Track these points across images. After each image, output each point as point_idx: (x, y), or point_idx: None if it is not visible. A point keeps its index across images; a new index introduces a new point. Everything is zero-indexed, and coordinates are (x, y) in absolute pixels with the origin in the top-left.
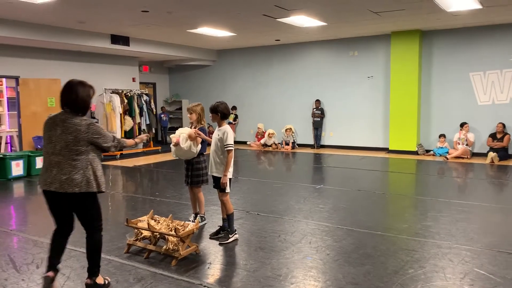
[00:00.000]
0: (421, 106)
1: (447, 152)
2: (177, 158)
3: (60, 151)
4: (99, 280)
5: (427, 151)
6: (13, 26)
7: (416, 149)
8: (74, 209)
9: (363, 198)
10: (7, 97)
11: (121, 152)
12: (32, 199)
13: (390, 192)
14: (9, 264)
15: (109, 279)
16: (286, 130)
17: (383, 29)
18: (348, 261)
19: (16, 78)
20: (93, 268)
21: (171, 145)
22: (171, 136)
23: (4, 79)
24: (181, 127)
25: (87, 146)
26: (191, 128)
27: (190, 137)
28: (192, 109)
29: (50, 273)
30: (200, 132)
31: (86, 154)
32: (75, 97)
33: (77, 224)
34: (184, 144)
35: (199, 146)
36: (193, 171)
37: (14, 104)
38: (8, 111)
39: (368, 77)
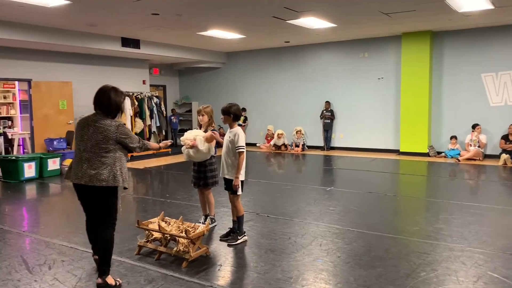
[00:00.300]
0: (432, 107)
1: (459, 154)
2: (189, 160)
3: (90, 148)
4: (110, 280)
5: (439, 152)
6: (25, 30)
7: (427, 150)
8: (97, 202)
9: (374, 200)
10: (20, 100)
11: (131, 154)
12: (44, 200)
13: (401, 194)
14: (22, 265)
15: (120, 281)
16: (296, 132)
17: (393, 30)
18: (359, 264)
19: (29, 81)
20: (103, 267)
21: (184, 148)
22: (182, 139)
23: (16, 82)
24: (191, 129)
25: (115, 145)
26: (201, 130)
27: (207, 139)
28: (204, 111)
29: (95, 256)
30: (216, 133)
31: (113, 152)
32: (108, 101)
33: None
34: (203, 147)
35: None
36: (206, 173)
37: (26, 106)
38: (21, 113)
39: (379, 79)
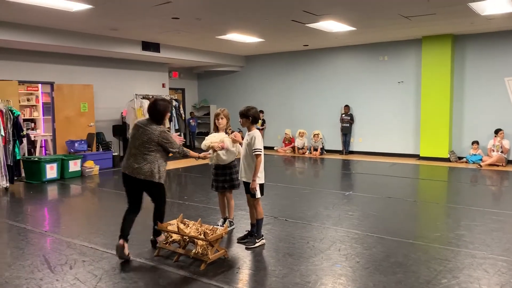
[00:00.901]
0: (453, 112)
1: (481, 159)
2: (212, 163)
3: (138, 146)
4: (160, 237)
5: (460, 158)
6: (49, 34)
7: (448, 156)
8: (144, 190)
9: (393, 206)
10: (43, 102)
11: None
12: (65, 201)
13: (421, 200)
14: (44, 264)
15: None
16: (314, 135)
17: (414, 34)
18: (378, 269)
19: (51, 84)
20: (157, 230)
21: (210, 151)
22: (206, 144)
23: (40, 85)
24: (209, 132)
25: (157, 147)
26: (222, 133)
27: (235, 140)
28: (223, 114)
29: (121, 241)
30: (238, 134)
31: (155, 153)
32: (153, 110)
33: (107, 228)
34: (234, 148)
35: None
36: (232, 175)
37: (49, 109)
38: (43, 115)
39: (399, 83)
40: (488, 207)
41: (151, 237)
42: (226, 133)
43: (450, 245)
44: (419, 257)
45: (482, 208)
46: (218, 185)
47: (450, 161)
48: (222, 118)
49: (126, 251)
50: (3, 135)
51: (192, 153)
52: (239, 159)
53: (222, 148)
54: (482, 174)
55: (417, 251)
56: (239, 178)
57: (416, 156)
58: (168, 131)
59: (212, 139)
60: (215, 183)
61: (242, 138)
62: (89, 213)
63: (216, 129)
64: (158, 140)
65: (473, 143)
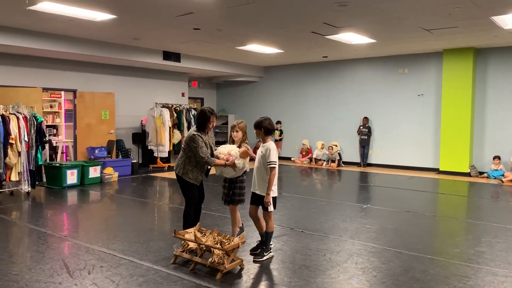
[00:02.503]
0: (474, 125)
1: (503, 175)
2: (220, 175)
3: (182, 149)
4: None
5: (481, 173)
6: (73, 42)
7: (469, 170)
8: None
9: (411, 220)
10: (65, 109)
11: (168, 164)
12: (84, 207)
13: (440, 215)
14: (63, 269)
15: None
16: (329, 147)
17: (434, 47)
18: (396, 284)
19: (74, 91)
20: (184, 227)
21: (222, 163)
22: (216, 154)
23: (62, 92)
24: (227, 141)
25: (190, 149)
26: (233, 145)
27: (242, 155)
28: (239, 127)
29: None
30: (250, 148)
31: (188, 153)
32: (196, 117)
33: (125, 234)
34: (238, 161)
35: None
36: (234, 189)
37: (70, 116)
38: (65, 122)
39: (419, 95)
40: (510, 224)
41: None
42: (240, 146)
43: (470, 261)
44: (438, 273)
45: (503, 224)
46: (225, 198)
47: (470, 176)
48: (237, 131)
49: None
50: (27, 140)
51: (218, 161)
52: (248, 173)
53: (227, 161)
54: (503, 190)
55: (435, 267)
56: (252, 190)
57: (435, 170)
58: (197, 137)
59: (222, 149)
60: (223, 196)
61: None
62: (108, 219)
63: (232, 141)
64: (188, 142)
65: (494, 158)
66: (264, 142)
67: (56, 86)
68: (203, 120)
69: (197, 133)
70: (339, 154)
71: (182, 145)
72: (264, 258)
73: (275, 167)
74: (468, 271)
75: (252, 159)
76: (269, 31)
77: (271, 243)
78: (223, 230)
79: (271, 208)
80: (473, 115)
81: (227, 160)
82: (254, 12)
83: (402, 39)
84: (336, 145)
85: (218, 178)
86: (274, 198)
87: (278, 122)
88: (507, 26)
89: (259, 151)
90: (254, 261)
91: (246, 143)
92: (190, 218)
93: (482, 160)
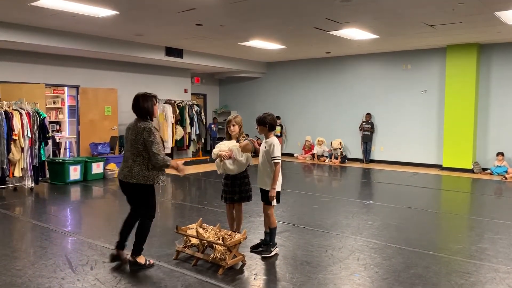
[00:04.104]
0: (477, 122)
1: (506, 171)
2: (220, 173)
3: (129, 148)
4: (140, 259)
5: (484, 169)
6: (76, 38)
7: (472, 167)
8: (133, 196)
9: (414, 216)
10: (68, 105)
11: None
12: (87, 203)
13: (443, 211)
14: (66, 264)
15: (151, 262)
16: (331, 143)
17: (438, 42)
18: (398, 281)
19: (77, 87)
20: (135, 247)
21: (217, 161)
22: (214, 151)
23: (66, 88)
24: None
25: (145, 146)
26: (232, 140)
27: (244, 149)
28: (235, 121)
29: (115, 251)
30: (254, 141)
31: (145, 152)
32: (137, 106)
33: (132, 230)
34: (241, 158)
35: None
36: (241, 186)
37: (74, 112)
38: (68, 118)
39: (422, 91)
40: None
41: (129, 255)
42: (238, 141)
43: (472, 258)
44: (440, 269)
45: (506, 221)
46: (226, 196)
47: (473, 172)
48: (234, 125)
49: (143, 260)
50: (30, 136)
51: (172, 161)
52: (252, 168)
53: (229, 158)
54: (507, 187)
55: (437, 263)
56: (259, 186)
57: (439, 167)
58: (157, 130)
59: (222, 147)
60: (223, 194)
61: (259, 146)
62: (110, 215)
63: (229, 137)
64: (143, 138)
65: (498, 154)
66: (267, 138)
67: (59, 82)
68: (149, 105)
69: (153, 126)
70: (342, 151)
71: (132, 149)
72: (272, 253)
73: (279, 162)
74: (470, 268)
75: (255, 155)
76: (271, 27)
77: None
78: (225, 226)
79: (274, 202)
80: (476, 111)
81: (229, 157)
82: (256, 8)
83: (405, 34)
84: (339, 142)
85: (218, 175)
86: (278, 193)
87: (278, 118)
88: (511, 22)
89: (262, 147)
90: (263, 258)
91: (244, 137)
92: (148, 232)
93: (485, 157)
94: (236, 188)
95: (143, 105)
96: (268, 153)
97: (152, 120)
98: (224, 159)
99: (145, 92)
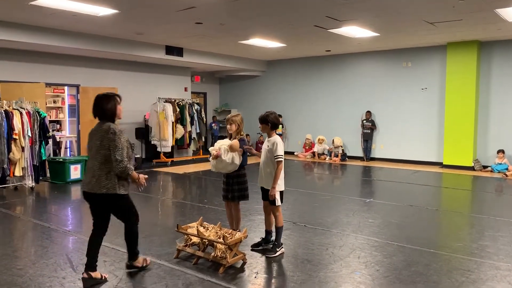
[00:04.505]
0: (478, 119)
1: (507, 169)
2: (217, 171)
3: (94, 155)
4: (137, 262)
5: (484, 167)
6: (76, 37)
7: (472, 164)
8: (106, 209)
9: (415, 214)
10: (68, 104)
11: (172, 159)
12: None
13: (443, 209)
14: (67, 263)
15: (148, 262)
16: (333, 141)
17: (438, 40)
18: (398, 278)
19: (77, 86)
20: (133, 252)
21: (210, 158)
22: (210, 149)
23: (66, 87)
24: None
25: (107, 149)
26: (230, 139)
27: (232, 149)
28: (232, 120)
29: (85, 274)
30: (253, 151)
31: (106, 156)
32: (101, 108)
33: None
34: (226, 157)
35: (241, 158)
36: (234, 185)
37: (74, 111)
38: (69, 117)
39: (422, 89)
40: None
41: (126, 261)
42: (234, 139)
43: (473, 255)
44: (441, 267)
45: (507, 218)
46: (223, 194)
47: (474, 169)
48: (231, 124)
49: (98, 275)
50: (30, 136)
51: (133, 173)
52: (254, 166)
53: (217, 157)
54: (507, 184)
55: (438, 261)
56: (258, 185)
57: (439, 164)
58: (121, 132)
59: (216, 145)
60: (222, 192)
61: (262, 143)
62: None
63: (230, 135)
64: (106, 142)
65: (498, 151)
66: (269, 137)
67: (59, 81)
68: (112, 106)
69: (118, 128)
70: (343, 149)
71: (97, 156)
72: (277, 253)
73: (281, 160)
74: (471, 265)
75: (250, 154)
76: (272, 25)
77: (271, 237)
78: (226, 225)
79: (278, 202)
80: (477, 108)
81: (216, 156)
82: (257, 6)
83: (406, 32)
84: (338, 140)
85: (219, 174)
86: (282, 192)
87: (279, 116)
88: (511, 19)
89: (264, 145)
90: (267, 257)
91: (241, 136)
92: (137, 235)
93: (486, 154)
94: (229, 187)
95: (107, 107)
96: (271, 152)
97: (114, 122)
98: (212, 157)
99: (106, 92)
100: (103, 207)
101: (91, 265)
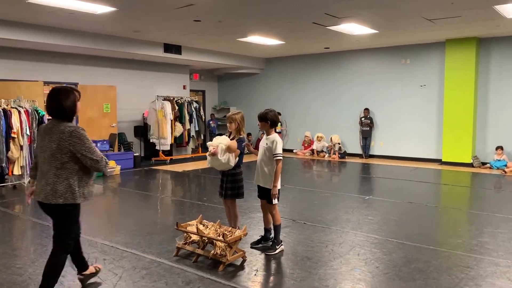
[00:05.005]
0: (477, 116)
1: (505, 165)
2: (212, 167)
3: (47, 160)
4: (89, 270)
5: (483, 163)
6: (74, 36)
7: (471, 161)
8: (55, 220)
9: (414, 211)
10: None
11: (171, 157)
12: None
13: (443, 205)
14: (66, 262)
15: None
16: (331, 138)
17: (437, 37)
18: (398, 275)
19: (75, 85)
20: (82, 264)
21: (207, 154)
22: (208, 143)
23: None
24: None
25: (72, 155)
26: (229, 138)
27: (229, 149)
28: (232, 118)
29: (80, 276)
30: (251, 148)
31: (72, 164)
32: (58, 105)
33: (128, 227)
34: (222, 157)
35: (237, 158)
36: (227, 183)
37: None
38: None
39: (421, 86)
40: None
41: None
42: (233, 138)
43: (472, 252)
44: (441, 263)
45: (506, 215)
46: (219, 191)
47: (473, 166)
48: (231, 122)
49: (92, 270)
50: (29, 134)
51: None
52: (252, 164)
53: (214, 154)
54: (506, 181)
55: (438, 257)
56: (254, 183)
57: (438, 161)
58: (83, 130)
59: (214, 141)
60: (219, 189)
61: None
62: (110, 213)
63: (230, 133)
64: (69, 145)
65: (497, 148)
66: (268, 134)
67: (57, 79)
68: (71, 103)
69: (79, 128)
70: (340, 146)
71: (51, 160)
72: (277, 251)
73: (281, 159)
74: (470, 262)
75: (248, 153)
76: (270, 22)
77: (270, 235)
78: (225, 223)
79: (275, 200)
80: (475, 105)
81: (213, 154)
82: (255, 3)
83: (404, 29)
84: (336, 138)
85: (218, 171)
86: (278, 190)
87: (278, 114)
88: (510, 15)
89: (263, 143)
90: (267, 255)
91: (241, 135)
92: (61, 268)
93: (485, 151)
94: (223, 184)
95: (66, 104)
96: (270, 150)
97: (72, 121)
98: (208, 154)
99: (64, 86)
100: (58, 218)
101: (82, 266)
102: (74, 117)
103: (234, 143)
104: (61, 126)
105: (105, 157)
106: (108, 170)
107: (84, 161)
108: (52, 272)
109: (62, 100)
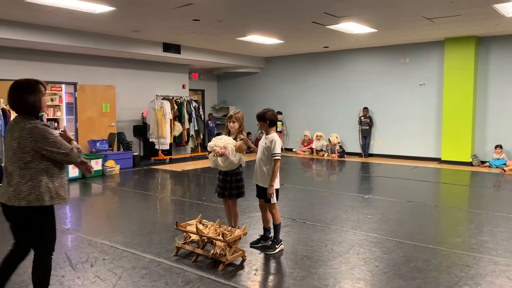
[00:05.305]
0: (476, 115)
1: (505, 164)
2: (215, 167)
3: (11, 159)
4: None
5: (483, 162)
6: (73, 35)
7: (471, 160)
8: (22, 226)
9: (413, 210)
10: (66, 102)
11: (170, 156)
12: (86, 200)
13: (442, 204)
14: (66, 262)
15: None
16: (329, 139)
17: (436, 36)
18: (398, 274)
19: (74, 84)
20: None
21: (211, 155)
22: (210, 145)
23: (63, 85)
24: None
25: (35, 153)
26: (229, 136)
27: (239, 150)
28: (235, 117)
29: None
30: (247, 140)
31: (36, 163)
32: (21, 100)
33: (127, 227)
34: (234, 157)
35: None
36: (232, 183)
37: (71, 109)
38: (66, 115)
39: (420, 85)
40: None
41: None
42: (236, 138)
43: (472, 251)
44: (440, 262)
45: (505, 214)
46: (219, 191)
47: (472, 165)
48: (234, 122)
49: None
50: None
51: (83, 158)
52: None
53: (222, 155)
54: (505, 179)
55: (437, 256)
56: (253, 182)
57: (438, 160)
58: (47, 125)
59: (218, 142)
60: (217, 189)
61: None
62: (110, 212)
63: (229, 132)
64: (31, 143)
65: (496, 147)
66: (267, 134)
67: (56, 79)
68: (35, 98)
69: (41, 123)
70: (340, 145)
71: (15, 160)
72: (276, 250)
73: (279, 159)
74: (470, 260)
75: (251, 151)
76: (269, 22)
77: (270, 234)
78: (225, 222)
79: (274, 199)
80: (475, 104)
81: (222, 154)
82: (254, 2)
83: (404, 28)
84: (336, 137)
85: (217, 171)
86: (277, 190)
87: (279, 113)
88: (509, 14)
89: (262, 142)
90: (266, 254)
91: (243, 134)
92: (49, 271)
93: (484, 149)
94: (226, 184)
95: (29, 99)
96: (268, 150)
97: (37, 117)
98: (216, 155)
99: (28, 79)
100: (24, 224)
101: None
102: (41, 113)
103: (243, 144)
104: (22, 123)
105: (78, 146)
106: (108, 169)
107: (52, 157)
108: (41, 278)
109: (24, 94)
